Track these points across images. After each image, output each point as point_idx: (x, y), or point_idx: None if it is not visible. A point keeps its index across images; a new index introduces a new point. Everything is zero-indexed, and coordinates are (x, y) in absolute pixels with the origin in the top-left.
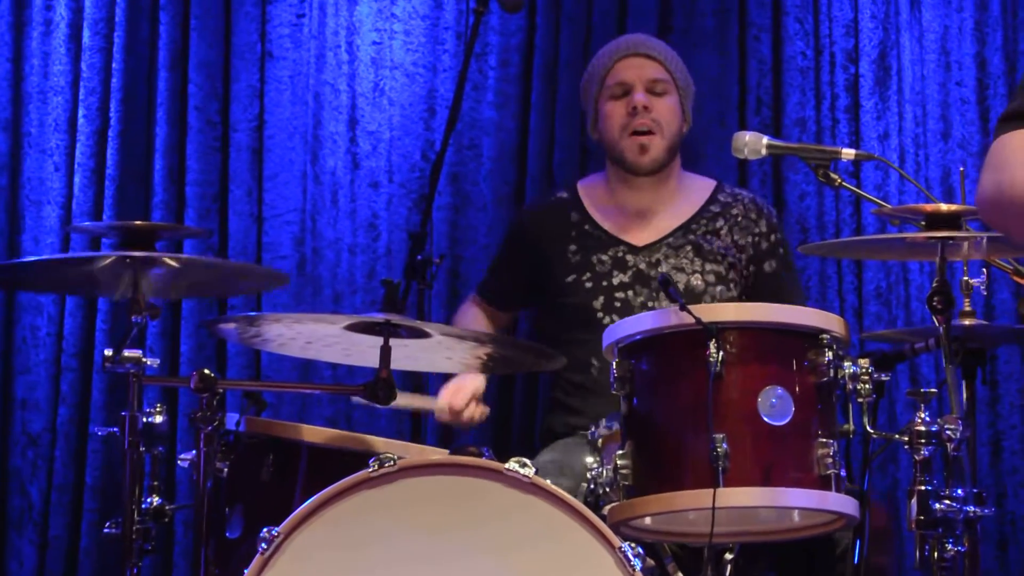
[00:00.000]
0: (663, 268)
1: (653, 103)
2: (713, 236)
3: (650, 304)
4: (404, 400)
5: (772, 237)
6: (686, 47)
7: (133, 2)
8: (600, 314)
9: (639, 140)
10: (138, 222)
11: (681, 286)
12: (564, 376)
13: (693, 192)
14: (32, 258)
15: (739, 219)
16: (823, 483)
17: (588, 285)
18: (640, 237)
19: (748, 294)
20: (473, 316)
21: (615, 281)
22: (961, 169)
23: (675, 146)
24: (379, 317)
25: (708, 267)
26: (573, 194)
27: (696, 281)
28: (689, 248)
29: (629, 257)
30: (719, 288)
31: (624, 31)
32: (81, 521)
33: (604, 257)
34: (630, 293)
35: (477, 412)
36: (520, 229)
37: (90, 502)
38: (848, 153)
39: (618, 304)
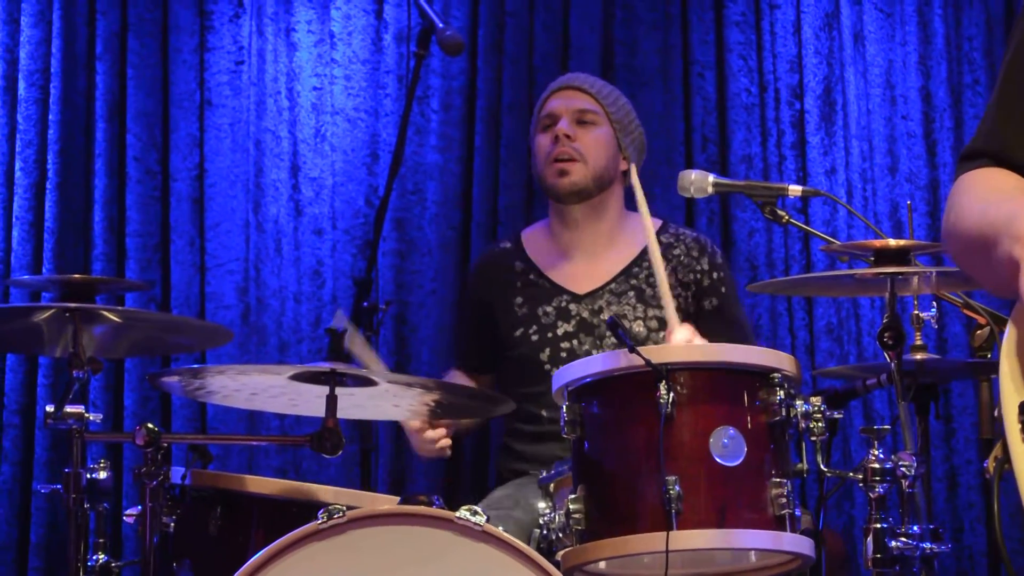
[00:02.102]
0: (605, 315)
1: (578, 133)
2: (655, 278)
3: (595, 352)
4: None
5: (714, 275)
6: (630, 86)
7: (69, 52)
8: (547, 366)
9: (559, 166)
10: (77, 275)
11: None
12: (515, 426)
13: (635, 233)
14: None
15: (681, 259)
16: (778, 523)
17: (534, 338)
18: (582, 284)
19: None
20: (459, 379)
21: (560, 331)
22: (908, 203)
23: (603, 178)
24: (324, 366)
25: (651, 312)
26: (516, 243)
27: (639, 328)
28: (632, 294)
29: (572, 306)
30: (662, 334)
31: (566, 71)
32: None
33: (548, 308)
34: (575, 342)
35: (444, 441)
36: (471, 287)
37: (35, 560)
38: (795, 190)
39: (564, 355)
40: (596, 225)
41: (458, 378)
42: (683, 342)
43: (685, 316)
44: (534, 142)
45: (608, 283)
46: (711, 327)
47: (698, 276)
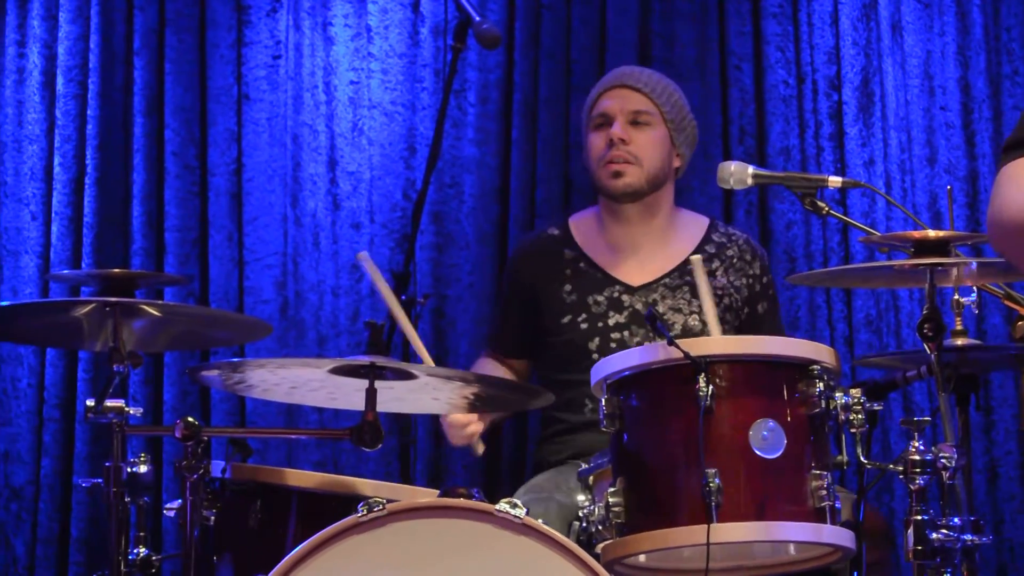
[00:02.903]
0: (659, 309)
1: (633, 135)
2: (710, 276)
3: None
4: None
5: (764, 279)
6: (667, 78)
7: (107, 48)
8: (595, 355)
9: (613, 168)
10: (117, 270)
11: (679, 327)
12: (556, 415)
13: (687, 230)
14: (10, 302)
15: (734, 261)
16: (818, 516)
17: (584, 326)
18: (635, 277)
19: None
20: (492, 367)
21: (611, 322)
22: (949, 188)
23: (658, 179)
24: (364, 360)
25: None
26: (564, 230)
27: (693, 322)
28: (686, 289)
29: (625, 297)
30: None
31: (603, 64)
32: (67, 574)
33: (600, 297)
34: (626, 333)
35: (474, 427)
36: (514, 272)
37: (76, 554)
38: (835, 181)
39: (614, 345)
40: (649, 221)
41: (489, 364)
42: None
43: (735, 317)
44: (586, 139)
45: (662, 277)
46: (762, 331)
47: (751, 280)
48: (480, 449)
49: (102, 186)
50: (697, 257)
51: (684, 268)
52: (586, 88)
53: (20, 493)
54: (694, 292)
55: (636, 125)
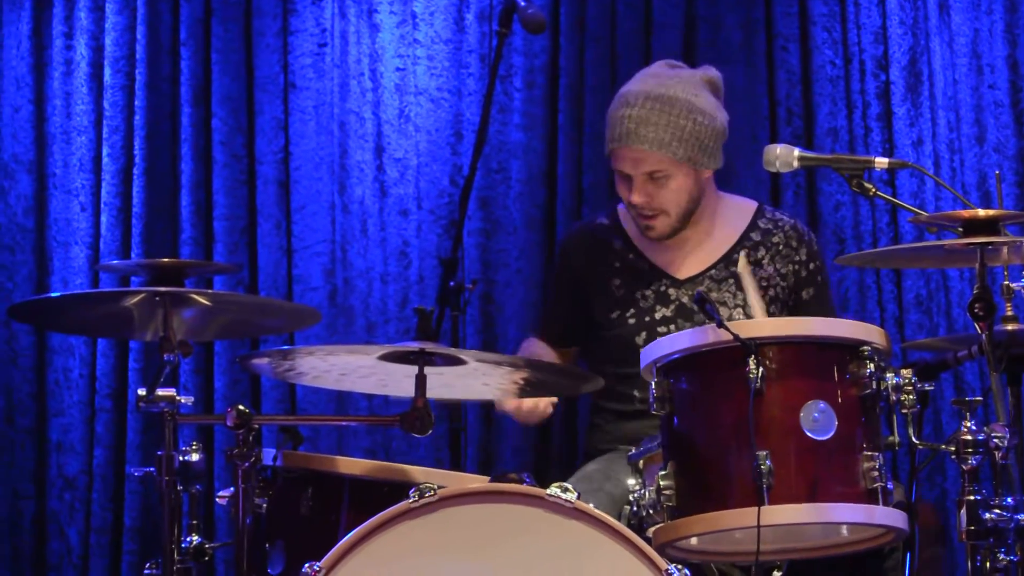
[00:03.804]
0: None
1: (653, 191)
2: (755, 267)
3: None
4: None
5: (811, 265)
6: (714, 62)
7: (153, 38)
8: (642, 350)
9: (643, 220)
10: (166, 259)
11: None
12: (605, 405)
13: (732, 218)
14: (61, 293)
15: (780, 248)
16: (870, 497)
17: (631, 321)
18: (682, 269)
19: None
20: (540, 349)
21: (657, 316)
22: (997, 173)
23: (688, 212)
24: (413, 346)
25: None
26: (614, 219)
27: (738, 315)
28: (732, 281)
29: (672, 291)
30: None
31: (649, 49)
32: (121, 563)
33: (647, 292)
34: (672, 327)
35: (543, 401)
36: (565, 261)
37: (129, 543)
38: (882, 162)
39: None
40: (694, 225)
41: (537, 346)
42: None
43: (783, 306)
44: (615, 177)
45: (708, 269)
46: (808, 316)
47: (797, 267)
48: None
49: (150, 176)
50: (742, 259)
51: (729, 259)
52: (631, 72)
53: (73, 483)
54: (739, 285)
55: (655, 181)
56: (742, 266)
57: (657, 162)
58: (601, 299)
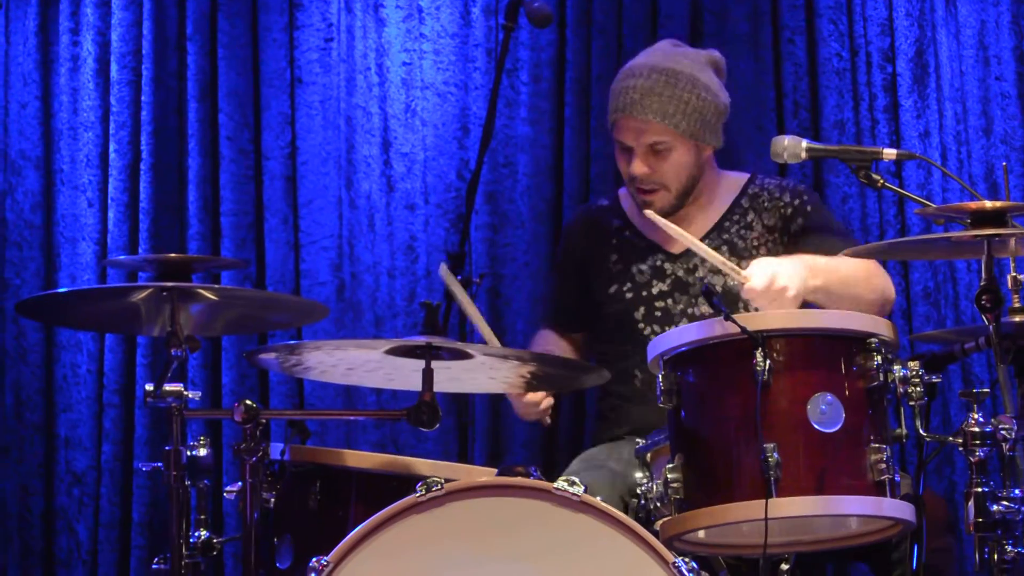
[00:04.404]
0: (700, 273)
1: (654, 163)
2: (746, 230)
3: (690, 311)
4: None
5: (796, 201)
6: (720, 53)
7: (160, 34)
8: (641, 324)
9: (642, 196)
10: (174, 255)
11: (719, 288)
12: (608, 388)
13: (724, 190)
14: (68, 289)
15: (765, 204)
16: (877, 489)
17: (628, 295)
18: (676, 244)
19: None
20: (551, 342)
21: (654, 290)
22: (1004, 164)
23: (688, 188)
24: (420, 340)
25: (744, 264)
26: (614, 200)
27: (733, 282)
28: (725, 249)
29: (667, 265)
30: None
31: (656, 41)
32: (130, 558)
33: (643, 267)
34: (669, 301)
35: (545, 401)
36: (566, 244)
37: (138, 538)
38: (889, 153)
39: (658, 314)
40: (691, 202)
41: (549, 339)
42: (760, 280)
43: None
44: (615, 150)
45: (700, 240)
46: (806, 243)
47: (782, 211)
48: (548, 420)
49: (157, 171)
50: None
51: (721, 227)
52: None
53: (82, 478)
54: (733, 251)
55: (656, 154)
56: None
57: (660, 133)
58: (600, 276)
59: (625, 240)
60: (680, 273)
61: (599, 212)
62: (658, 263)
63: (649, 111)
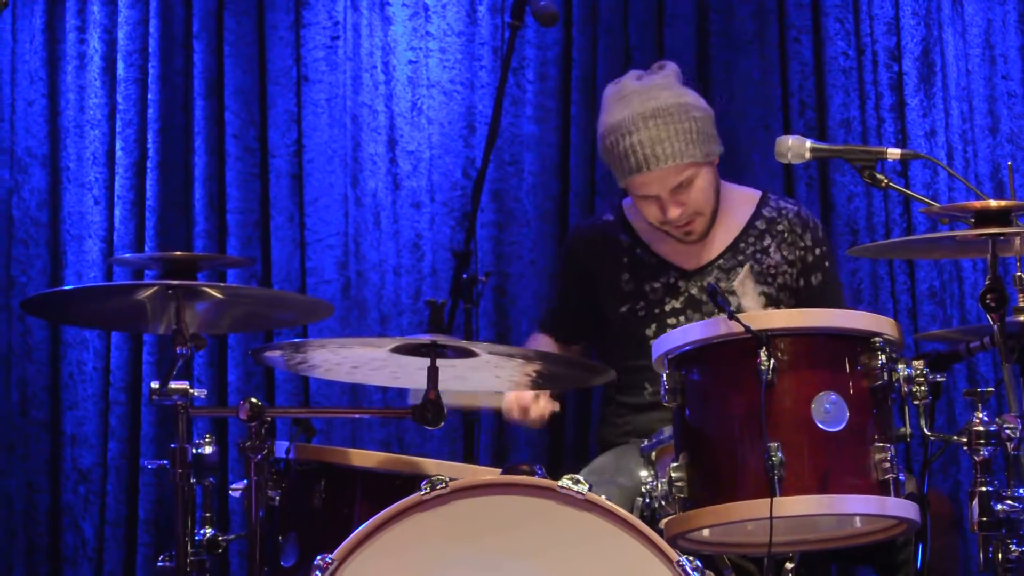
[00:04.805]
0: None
1: (685, 200)
2: (762, 255)
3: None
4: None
5: (818, 250)
6: (726, 52)
7: (166, 32)
8: (653, 341)
9: (681, 230)
10: (179, 252)
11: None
12: (616, 398)
13: (738, 208)
14: (74, 286)
15: (785, 235)
16: (882, 488)
17: (641, 313)
18: (690, 261)
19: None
20: (549, 347)
21: (667, 308)
22: (1010, 164)
23: (718, 203)
24: (425, 338)
25: (759, 289)
26: (619, 215)
27: (748, 303)
28: (739, 271)
29: (680, 283)
30: (770, 310)
31: (662, 40)
32: (136, 555)
33: (656, 284)
34: (682, 319)
35: (547, 409)
36: (571, 258)
37: (144, 536)
38: (894, 153)
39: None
40: None
41: (546, 344)
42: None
43: (791, 293)
44: (634, 200)
45: (716, 259)
46: (817, 302)
47: (803, 252)
48: (556, 407)
49: (164, 169)
50: (745, 270)
51: (736, 248)
52: (644, 63)
53: (88, 476)
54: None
55: (683, 190)
56: (743, 277)
57: (680, 172)
58: (610, 295)
59: (636, 258)
60: (694, 291)
61: (606, 227)
62: (671, 280)
63: (663, 159)
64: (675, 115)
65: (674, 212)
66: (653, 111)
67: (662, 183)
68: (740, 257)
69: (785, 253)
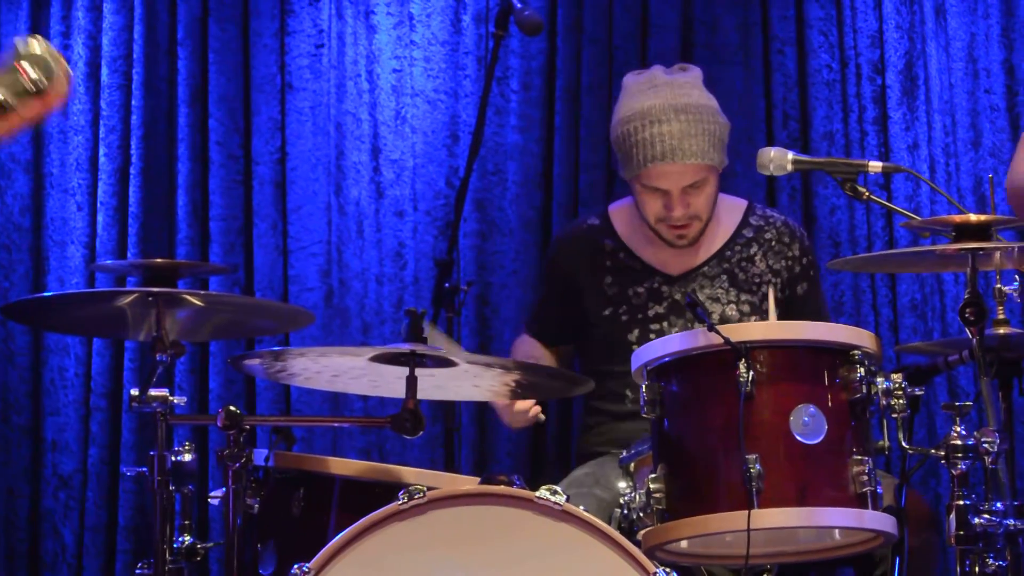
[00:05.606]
0: (698, 298)
1: (691, 201)
2: (748, 263)
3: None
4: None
5: (804, 260)
6: (710, 64)
7: (151, 38)
8: (635, 346)
9: (676, 231)
10: (160, 259)
11: (716, 316)
12: (597, 405)
13: (724, 216)
14: (56, 292)
15: (772, 244)
16: (859, 501)
17: (624, 318)
18: (675, 266)
19: (783, 318)
20: (534, 348)
21: (650, 313)
22: (991, 176)
23: (713, 212)
24: (404, 347)
25: (743, 297)
26: (604, 220)
27: (731, 312)
28: (724, 277)
29: (664, 288)
30: (754, 319)
31: (647, 51)
32: (115, 562)
33: (640, 289)
34: (665, 324)
35: (532, 405)
36: (554, 263)
37: (123, 543)
38: (875, 166)
39: (653, 336)
40: None
41: (531, 346)
42: None
43: (776, 302)
44: (638, 192)
45: (701, 266)
46: (804, 312)
47: (790, 262)
48: (542, 417)
49: (147, 176)
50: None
51: (722, 255)
52: (627, 74)
53: (68, 482)
54: (732, 281)
55: (693, 190)
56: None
57: (698, 172)
58: (594, 298)
59: (620, 262)
60: (677, 296)
61: (591, 232)
62: (655, 285)
63: (689, 154)
64: (704, 115)
65: (679, 210)
66: (685, 106)
67: (679, 178)
68: (725, 265)
69: (771, 262)
